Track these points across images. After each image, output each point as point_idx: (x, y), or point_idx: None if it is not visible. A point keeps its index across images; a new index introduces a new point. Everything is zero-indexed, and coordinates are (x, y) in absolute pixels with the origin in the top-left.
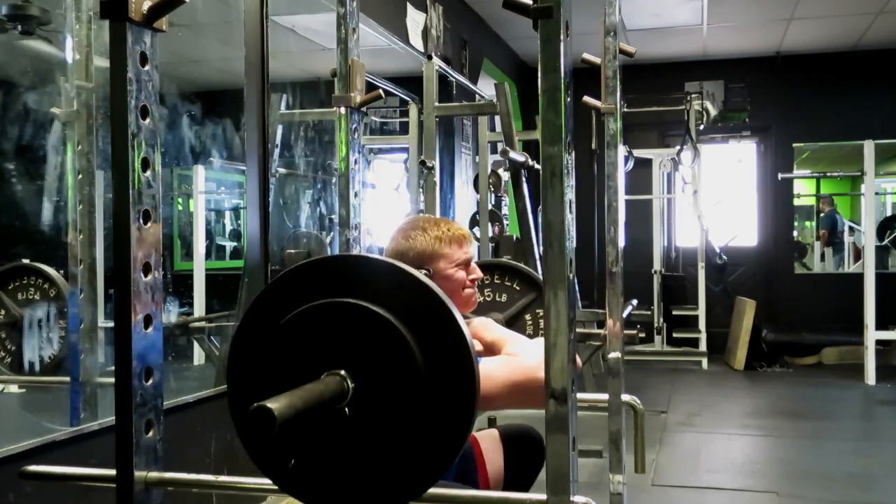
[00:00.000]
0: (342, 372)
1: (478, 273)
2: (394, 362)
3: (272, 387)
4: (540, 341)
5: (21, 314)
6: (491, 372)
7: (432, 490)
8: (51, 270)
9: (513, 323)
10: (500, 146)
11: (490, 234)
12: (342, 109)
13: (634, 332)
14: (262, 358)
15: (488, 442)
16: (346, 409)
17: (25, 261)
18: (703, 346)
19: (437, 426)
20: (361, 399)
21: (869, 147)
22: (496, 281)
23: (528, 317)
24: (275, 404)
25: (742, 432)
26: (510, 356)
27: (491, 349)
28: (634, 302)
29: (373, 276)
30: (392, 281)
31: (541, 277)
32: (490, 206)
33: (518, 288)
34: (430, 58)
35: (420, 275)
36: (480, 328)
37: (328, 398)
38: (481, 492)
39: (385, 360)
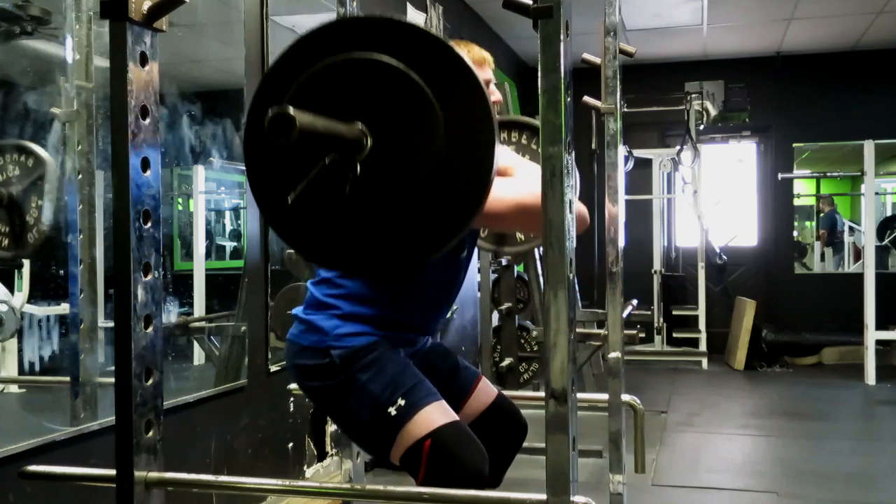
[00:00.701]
0: (360, 124)
1: (497, 96)
2: (415, 121)
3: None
4: None
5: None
6: (502, 191)
7: (433, 490)
8: (32, 145)
9: None
10: None
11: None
12: None
13: (634, 332)
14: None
15: (484, 390)
16: (359, 167)
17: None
18: (703, 346)
19: (451, 192)
20: (379, 156)
21: (869, 147)
22: (523, 142)
23: None
24: (296, 112)
25: (742, 432)
26: (522, 179)
27: (503, 174)
28: (634, 302)
29: (396, 35)
30: (415, 40)
31: None
32: None
33: (535, 147)
34: None
35: (445, 38)
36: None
37: (347, 138)
38: (481, 492)
39: (406, 117)
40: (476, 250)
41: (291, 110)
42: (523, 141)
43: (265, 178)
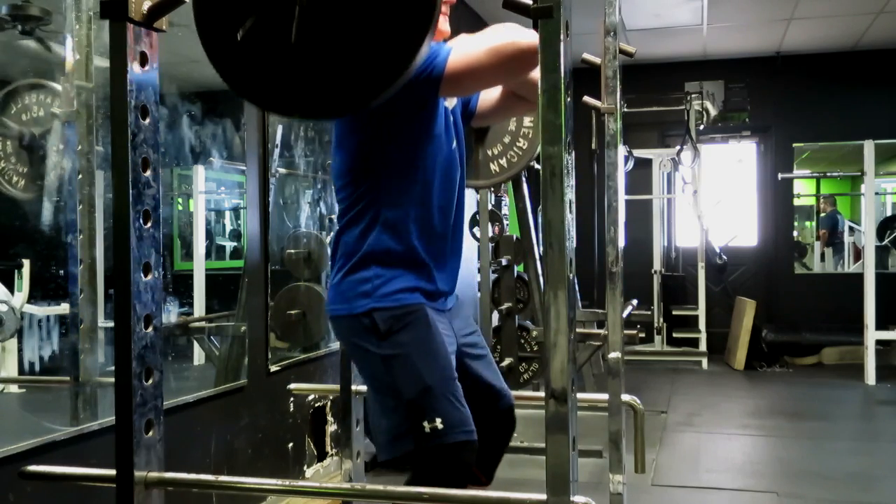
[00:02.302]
0: None
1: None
2: None
3: None
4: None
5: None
6: (468, 45)
7: (433, 490)
8: (55, 85)
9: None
10: None
11: (490, 234)
12: None
13: (634, 332)
14: None
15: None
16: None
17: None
18: (703, 346)
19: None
20: None
21: (869, 147)
22: None
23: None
24: None
25: (742, 432)
26: (485, 32)
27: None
28: (634, 302)
29: None
30: None
31: None
32: (490, 206)
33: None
34: None
35: None
36: (457, 41)
37: None
38: (481, 492)
39: None
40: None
41: None
42: None
43: (212, 18)
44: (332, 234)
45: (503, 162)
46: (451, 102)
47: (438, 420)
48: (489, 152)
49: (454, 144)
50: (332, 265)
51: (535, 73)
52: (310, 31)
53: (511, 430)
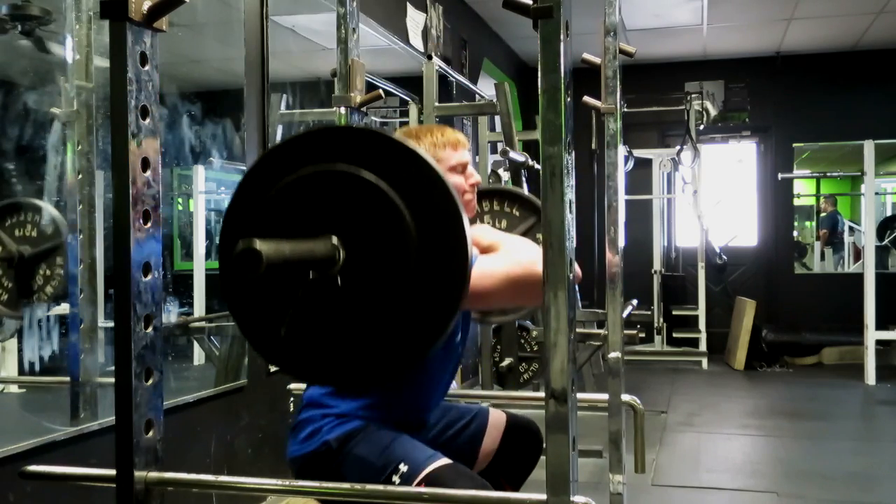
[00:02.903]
0: (334, 238)
1: (475, 178)
2: (385, 228)
3: None
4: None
5: (20, 251)
6: (489, 266)
7: (433, 490)
8: (50, 207)
9: None
10: (500, 146)
11: None
12: (342, 109)
13: (634, 332)
14: (255, 224)
15: (495, 420)
16: (339, 279)
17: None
18: (703, 346)
19: (431, 293)
20: (353, 266)
21: (869, 147)
22: (495, 207)
23: None
24: (262, 245)
25: (742, 432)
26: (508, 252)
27: (489, 251)
28: (634, 302)
29: (367, 145)
30: (386, 150)
31: (540, 203)
32: None
33: (517, 214)
34: (430, 58)
35: (414, 145)
36: (478, 233)
37: (318, 257)
38: (481, 492)
39: (377, 227)
40: None
41: (258, 244)
42: (496, 207)
43: (247, 307)
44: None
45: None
46: None
47: (402, 465)
48: None
49: (458, 337)
50: (296, 416)
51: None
52: (345, 316)
53: (534, 449)
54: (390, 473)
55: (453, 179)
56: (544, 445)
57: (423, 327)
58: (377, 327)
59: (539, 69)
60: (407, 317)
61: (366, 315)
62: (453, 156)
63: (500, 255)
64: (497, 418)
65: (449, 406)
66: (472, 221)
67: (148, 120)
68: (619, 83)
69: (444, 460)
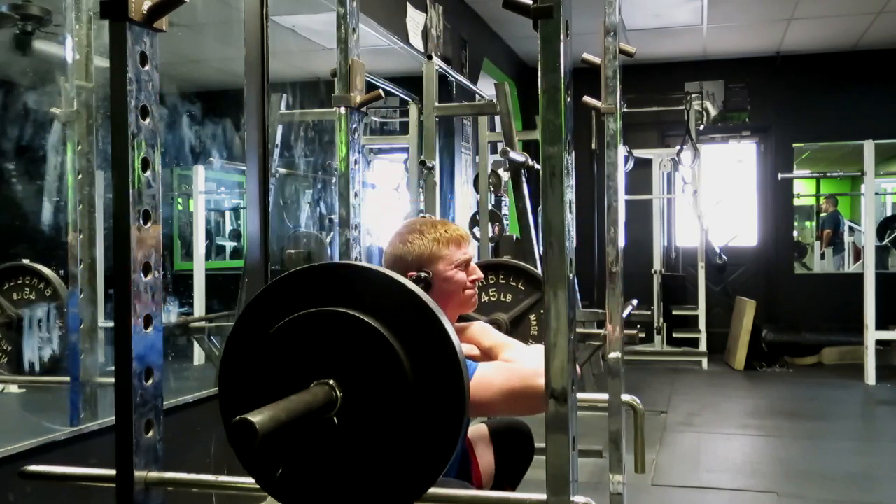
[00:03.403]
0: (331, 381)
1: (478, 274)
2: (382, 372)
3: (261, 394)
4: (538, 348)
5: (18, 314)
6: (488, 378)
7: (433, 490)
8: (47, 271)
9: (517, 323)
10: (500, 146)
11: (490, 234)
12: (342, 109)
13: (634, 332)
14: (252, 365)
15: (478, 439)
16: (335, 419)
17: (25, 261)
18: (703, 346)
19: (428, 435)
20: (350, 408)
21: (869, 147)
22: (500, 281)
23: (532, 317)
24: (257, 417)
25: (742, 432)
26: (507, 362)
27: (488, 354)
28: (634, 302)
29: (363, 285)
30: (383, 290)
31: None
32: (490, 206)
33: (522, 288)
34: (430, 58)
35: (411, 284)
36: (478, 333)
37: (315, 409)
38: (481, 492)
39: (374, 369)
40: None
41: (252, 418)
42: (501, 280)
43: (251, 456)
44: None
45: None
46: None
47: None
48: None
49: None
50: None
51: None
52: (345, 455)
53: (528, 442)
54: None
55: (456, 276)
56: (535, 443)
57: (422, 465)
58: (376, 465)
59: (539, 69)
60: (405, 455)
61: (364, 453)
62: (457, 253)
63: (500, 366)
64: (477, 433)
65: None
66: (480, 312)
67: (148, 120)
68: (619, 83)
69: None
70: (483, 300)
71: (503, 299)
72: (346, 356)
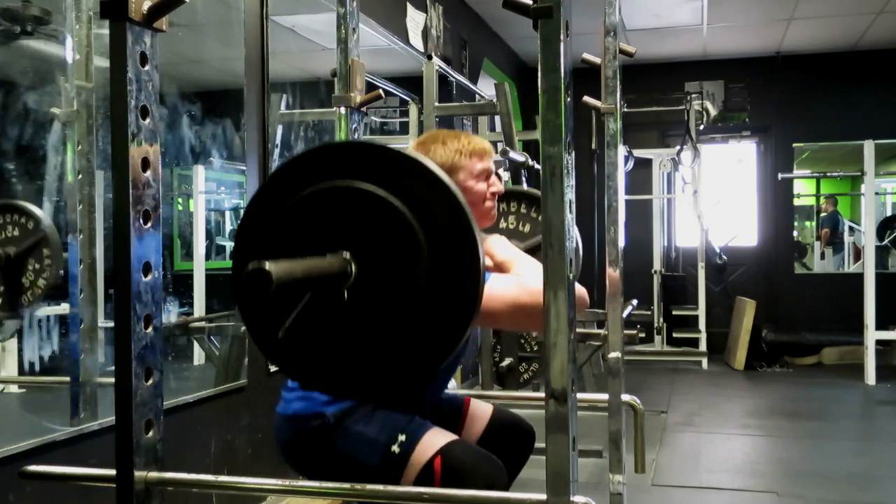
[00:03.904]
0: (346, 254)
1: (498, 186)
2: (398, 246)
3: None
4: None
5: (4, 252)
6: (498, 289)
7: (433, 490)
8: (37, 209)
9: (533, 253)
10: (500, 146)
11: None
12: (342, 109)
13: (634, 332)
14: (267, 240)
15: (478, 410)
16: (346, 295)
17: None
18: (703, 346)
19: (441, 312)
20: (364, 282)
21: (869, 147)
22: (522, 210)
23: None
24: (272, 265)
25: (742, 432)
26: (519, 276)
27: (501, 267)
28: (634, 302)
29: (381, 162)
30: (400, 167)
31: None
32: None
33: (533, 214)
34: (430, 58)
35: (428, 161)
36: (493, 245)
37: (329, 275)
38: (481, 492)
39: (389, 243)
40: None
41: (268, 265)
42: (522, 210)
43: (257, 314)
44: None
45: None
46: None
47: (400, 435)
48: None
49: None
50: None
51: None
52: (355, 329)
53: (524, 447)
54: (389, 444)
55: (476, 186)
56: (536, 444)
57: (432, 344)
58: (386, 342)
59: (539, 69)
60: (416, 333)
61: (375, 329)
62: (478, 164)
63: (512, 278)
64: (480, 409)
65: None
66: (493, 228)
67: (148, 120)
68: (619, 83)
69: (446, 434)
70: (501, 226)
71: (521, 229)
72: (361, 231)
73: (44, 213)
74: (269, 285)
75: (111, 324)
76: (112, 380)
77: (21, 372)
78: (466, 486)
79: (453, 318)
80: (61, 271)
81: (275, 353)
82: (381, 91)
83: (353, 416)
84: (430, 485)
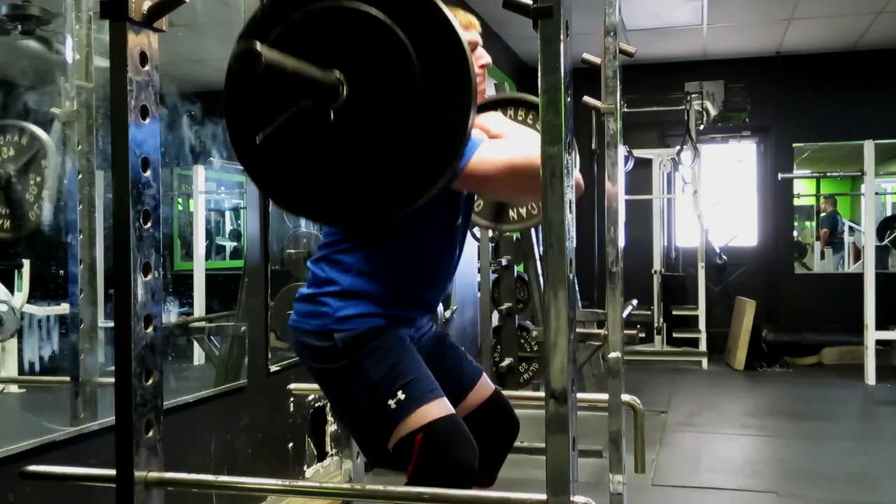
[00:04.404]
0: (337, 72)
1: (486, 59)
2: (390, 66)
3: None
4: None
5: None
6: (491, 151)
7: (433, 490)
8: (14, 122)
9: None
10: None
11: (490, 234)
12: None
13: (634, 332)
14: None
15: (485, 384)
16: (333, 114)
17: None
18: (703, 346)
19: (431, 135)
20: (354, 103)
21: (869, 147)
22: (518, 118)
23: None
24: (263, 47)
25: (742, 432)
26: (513, 141)
27: (496, 138)
28: (634, 302)
29: None
30: None
31: None
32: None
33: (531, 121)
34: None
35: None
36: (487, 120)
37: (320, 83)
38: (481, 492)
39: (381, 64)
40: (470, 251)
41: (258, 45)
42: (520, 117)
43: (241, 117)
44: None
45: (522, 211)
46: None
47: (400, 392)
48: None
49: (459, 220)
50: (306, 284)
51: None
52: (337, 141)
53: (509, 434)
54: (388, 399)
55: None
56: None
57: (421, 170)
58: (371, 166)
59: (539, 69)
60: (406, 158)
61: (361, 152)
62: (464, 35)
63: (506, 142)
64: (486, 385)
65: (453, 344)
66: (483, 109)
67: (148, 120)
68: (619, 83)
69: (444, 406)
70: None
71: None
72: (354, 51)
73: (37, 127)
74: (256, 63)
75: (111, 324)
76: (112, 380)
77: (21, 372)
78: (438, 467)
79: (445, 141)
80: (65, 181)
81: (252, 163)
82: None
83: (361, 348)
84: (408, 454)
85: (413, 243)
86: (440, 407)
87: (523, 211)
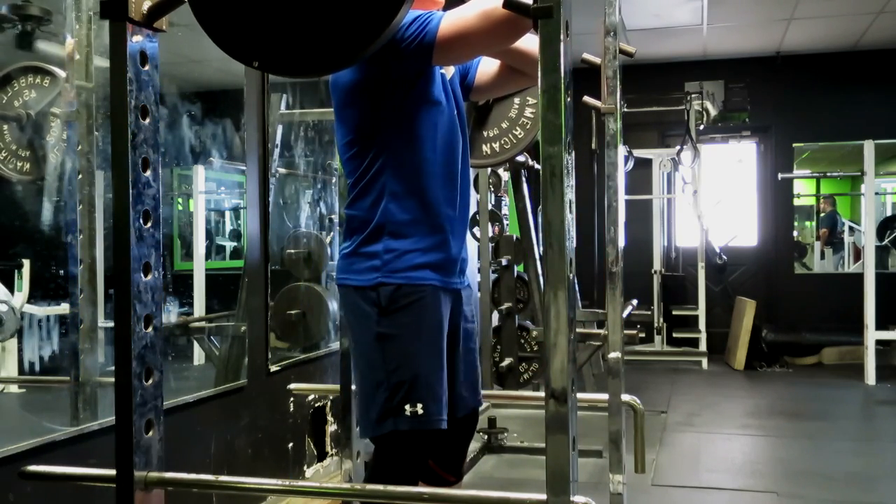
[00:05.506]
0: None
1: None
2: None
3: None
4: None
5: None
6: (456, 13)
7: (433, 490)
8: (49, 66)
9: (500, 101)
10: None
11: (490, 234)
12: None
13: (634, 332)
14: None
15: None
16: None
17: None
18: (703, 346)
19: None
20: None
21: (869, 147)
22: None
23: (516, 99)
24: None
25: (742, 432)
26: (472, 2)
27: None
28: (634, 302)
29: None
30: None
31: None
32: (490, 207)
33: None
34: None
35: None
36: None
37: None
38: (481, 492)
39: None
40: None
41: None
42: None
43: None
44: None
45: (496, 146)
46: (449, 72)
47: (420, 405)
48: (485, 133)
49: (455, 112)
50: (344, 237)
51: (528, 45)
52: None
53: (471, 430)
54: (407, 402)
55: None
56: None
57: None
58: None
59: (539, 69)
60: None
61: None
62: None
63: (466, 4)
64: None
65: (476, 310)
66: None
67: (148, 120)
68: (619, 83)
69: (444, 423)
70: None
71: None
72: None
73: (57, 68)
74: None
75: (111, 324)
76: (112, 380)
77: (21, 372)
78: (390, 473)
79: None
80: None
81: (215, 24)
82: None
83: (404, 311)
84: (378, 441)
85: (421, 139)
86: (436, 436)
87: (497, 146)
